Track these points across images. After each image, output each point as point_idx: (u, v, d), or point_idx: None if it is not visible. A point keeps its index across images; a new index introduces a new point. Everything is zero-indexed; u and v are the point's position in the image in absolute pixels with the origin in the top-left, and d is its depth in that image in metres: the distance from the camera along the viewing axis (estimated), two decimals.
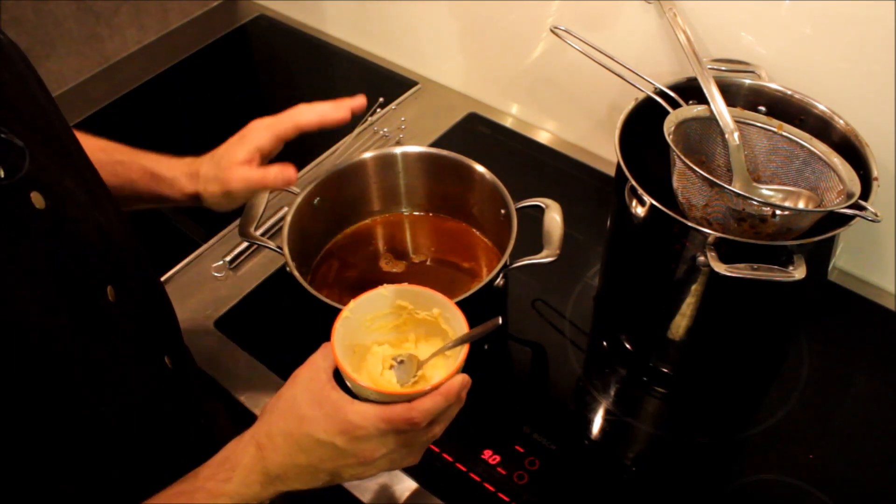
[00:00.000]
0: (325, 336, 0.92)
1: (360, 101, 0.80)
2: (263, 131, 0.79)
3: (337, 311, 0.79)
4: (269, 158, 0.82)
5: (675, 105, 0.81)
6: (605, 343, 0.95)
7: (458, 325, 0.65)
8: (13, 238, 0.51)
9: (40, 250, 0.53)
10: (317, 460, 0.60)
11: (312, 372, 0.62)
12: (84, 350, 0.55)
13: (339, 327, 0.64)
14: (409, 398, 0.59)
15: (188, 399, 0.74)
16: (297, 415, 0.60)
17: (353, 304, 0.66)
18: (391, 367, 0.66)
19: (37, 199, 0.53)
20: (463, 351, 0.63)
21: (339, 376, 0.62)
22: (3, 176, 0.50)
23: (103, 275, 0.60)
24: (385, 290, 0.67)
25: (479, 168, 0.93)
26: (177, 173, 0.80)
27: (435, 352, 0.66)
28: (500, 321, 0.62)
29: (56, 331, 0.52)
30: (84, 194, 0.61)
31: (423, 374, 0.66)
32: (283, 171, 0.78)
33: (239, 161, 0.78)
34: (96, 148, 0.74)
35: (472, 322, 0.64)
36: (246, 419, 0.88)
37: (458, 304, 0.77)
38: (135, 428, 0.62)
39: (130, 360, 0.62)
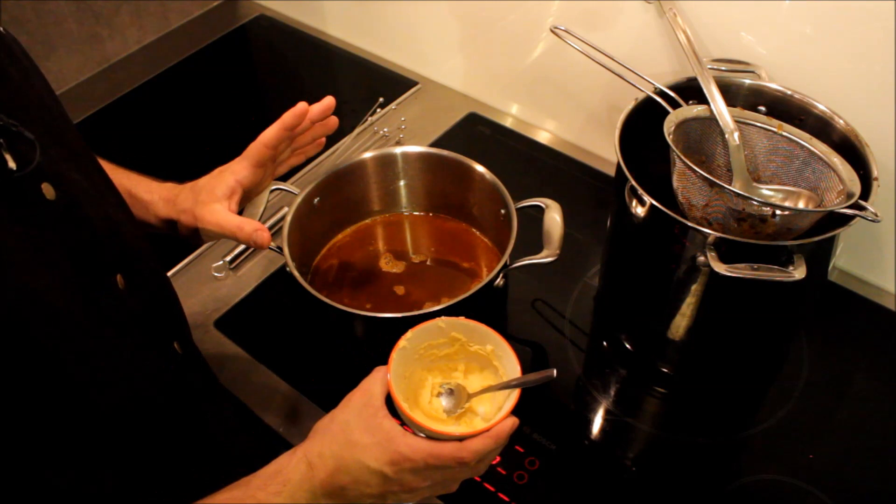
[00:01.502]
0: (325, 337, 0.93)
1: (325, 103, 0.79)
2: (240, 162, 0.79)
3: (337, 312, 0.80)
4: (257, 189, 0.81)
5: (675, 105, 0.81)
6: (605, 343, 0.95)
7: (510, 364, 0.66)
8: (26, 227, 0.52)
9: (52, 239, 0.54)
10: (364, 485, 0.61)
11: (366, 398, 0.63)
12: (97, 334, 0.56)
13: (396, 357, 0.66)
14: (461, 438, 0.61)
15: (197, 385, 0.75)
16: (350, 440, 0.61)
17: (410, 334, 0.67)
18: (439, 394, 0.68)
19: (48, 189, 0.54)
20: (515, 395, 0.64)
21: (390, 401, 0.63)
22: (15, 167, 0.51)
23: (113, 264, 0.61)
24: (442, 323, 0.68)
25: (479, 168, 0.93)
26: (155, 197, 0.80)
27: (486, 388, 0.67)
28: (555, 374, 0.64)
29: (69, 315, 0.53)
30: (93, 189, 0.62)
31: (469, 407, 0.68)
32: (256, 233, 0.76)
33: (217, 196, 0.77)
34: None
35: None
36: (246, 418, 0.88)
37: (459, 304, 0.78)
38: (145, 410, 0.62)
39: (141, 345, 0.63)
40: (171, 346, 0.69)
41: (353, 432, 0.62)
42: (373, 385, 0.64)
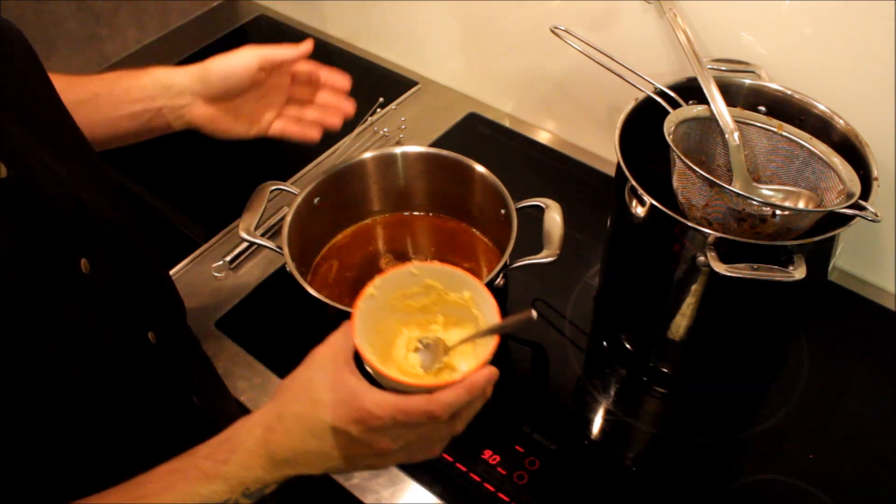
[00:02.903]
0: (326, 336, 0.92)
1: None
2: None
3: (337, 311, 0.80)
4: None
5: (675, 105, 0.81)
6: (605, 343, 0.95)
7: (490, 311, 0.61)
8: None
9: (4, 218, 0.52)
10: (329, 447, 0.57)
11: (332, 353, 0.58)
12: (56, 317, 0.54)
13: (362, 305, 0.60)
14: (430, 390, 0.56)
15: (177, 376, 0.72)
16: (312, 398, 0.57)
17: (378, 280, 0.62)
18: (416, 349, 0.63)
19: None
20: (492, 343, 0.59)
21: (359, 358, 0.59)
22: None
23: (77, 247, 0.59)
24: (415, 269, 0.63)
25: (479, 168, 0.93)
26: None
27: (463, 339, 0.62)
28: (535, 314, 0.58)
29: (25, 296, 0.52)
30: (64, 170, 0.60)
31: (448, 361, 0.63)
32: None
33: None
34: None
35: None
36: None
37: None
38: (112, 399, 0.60)
39: (108, 331, 0.60)
40: (144, 336, 0.66)
41: (316, 390, 0.57)
42: (339, 339, 0.59)
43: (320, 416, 0.56)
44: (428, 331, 0.65)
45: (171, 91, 0.81)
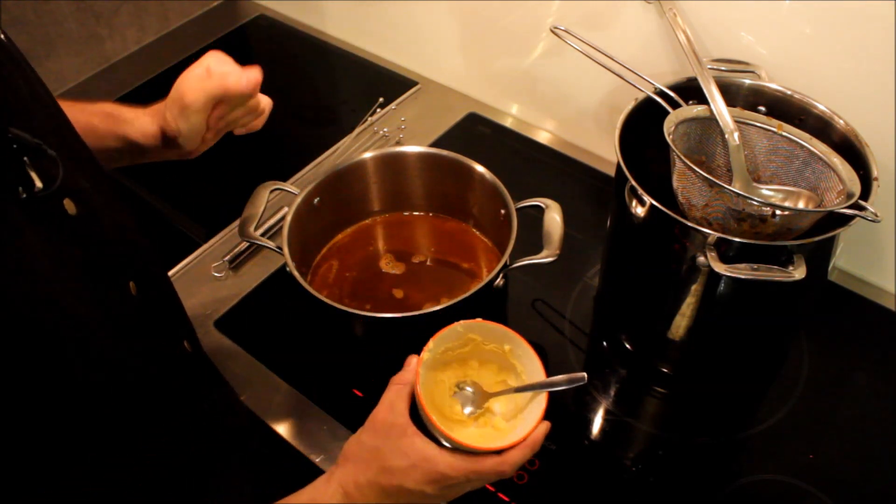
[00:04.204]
0: (325, 337, 0.92)
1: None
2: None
3: (337, 312, 0.80)
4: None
5: (675, 105, 0.80)
6: (605, 343, 0.95)
7: (531, 364, 0.67)
8: (51, 243, 0.52)
9: (73, 252, 0.54)
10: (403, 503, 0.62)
11: (391, 417, 0.63)
12: (114, 341, 0.56)
13: (422, 368, 0.65)
14: (500, 452, 0.62)
15: (203, 379, 0.75)
16: (385, 466, 0.61)
17: (431, 343, 0.66)
18: (454, 393, 0.68)
19: (69, 205, 0.55)
20: (544, 398, 0.65)
21: (413, 412, 0.63)
22: (41, 186, 0.51)
23: (127, 272, 0.61)
24: (460, 327, 0.68)
25: (479, 168, 0.93)
26: (139, 113, 0.78)
27: (508, 389, 0.67)
28: (586, 378, 0.63)
29: (88, 324, 0.54)
30: (98, 193, 0.62)
31: (488, 406, 0.68)
32: (245, 72, 0.74)
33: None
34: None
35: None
36: (246, 417, 0.88)
37: (458, 304, 0.78)
38: (158, 408, 0.63)
39: (154, 347, 0.63)
40: (181, 346, 0.69)
41: (386, 458, 0.61)
42: (395, 402, 0.63)
43: (397, 483, 0.61)
44: (465, 374, 0.70)
45: (134, 153, 0.79)
